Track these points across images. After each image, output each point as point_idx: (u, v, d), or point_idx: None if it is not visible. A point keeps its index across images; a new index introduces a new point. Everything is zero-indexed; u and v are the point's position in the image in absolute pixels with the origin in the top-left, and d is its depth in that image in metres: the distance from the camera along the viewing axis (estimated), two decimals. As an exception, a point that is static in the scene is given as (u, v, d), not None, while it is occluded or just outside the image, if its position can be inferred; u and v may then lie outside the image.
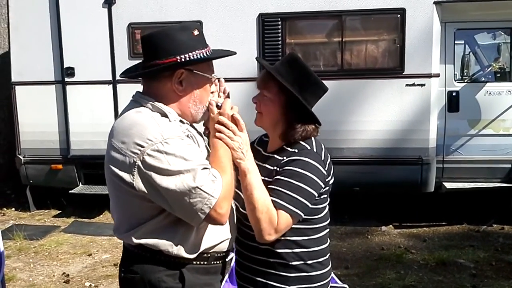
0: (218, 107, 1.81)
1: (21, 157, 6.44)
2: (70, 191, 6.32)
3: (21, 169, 6.48)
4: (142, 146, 1.64)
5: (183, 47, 1.75)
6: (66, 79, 6.18)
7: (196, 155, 1.68)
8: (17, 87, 6.34)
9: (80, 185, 6.43)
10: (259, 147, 2.07)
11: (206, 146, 1.92)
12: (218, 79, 1.92)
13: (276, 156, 1.92)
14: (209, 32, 5.93)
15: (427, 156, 5.64)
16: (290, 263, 1.87)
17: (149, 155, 1.63)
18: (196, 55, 1.76)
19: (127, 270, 1.82)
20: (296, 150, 1.87)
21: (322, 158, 1.88)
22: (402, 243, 5.37)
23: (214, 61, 1.88)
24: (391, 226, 5.89)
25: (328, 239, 2.00)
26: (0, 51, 7.37)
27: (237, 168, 1.81)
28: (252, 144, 2.08)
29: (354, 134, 5.68)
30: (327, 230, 1.98)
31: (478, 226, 5.73)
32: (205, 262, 1.82)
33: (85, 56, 6.10)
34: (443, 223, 5.89)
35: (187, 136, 1.76)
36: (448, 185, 5.75)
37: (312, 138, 1.94)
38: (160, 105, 1.76)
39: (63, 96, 6.22)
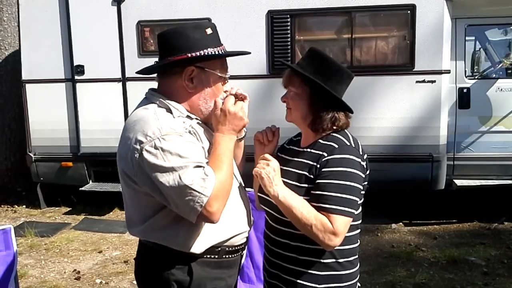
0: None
1: (31, 154, 6.48)
2: (80, 189, 6.37)
3: (31, 166, 6.53)
4: (142, 142, 1.65)
5: (195, 45, 1.77)
6: (76, 77, 6.21)
7: (192, 152, 1.68)
8: (27, 85, 6.38)
9: (90, 182, 6.47)
10: (291, 146, 2.06)
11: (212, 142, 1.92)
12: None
13: (312, 150, 1.89)
14: (218, 29, 5.95)
15: (438, 153, 5.60)
16: (322, 260, 1.85)
17: (147, 151, 1.64)
18: (207, 52, 1.78)
19: (140, 261, 1.88)
20: (336, 146, 1.84)
21: (361, 153, 1.87)
22: (412, 241, 5.34)
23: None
24: (401, 223, 5.87)
25: (358, 239, 1.96)
26: (10, 50, 7.41)
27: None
28: (282, 145, 2.10)
29: (364, 131, 5.62)
30: (359, 230, 1.95)
31: (489, 224, 5.69)
32: (216, 256, 1.82)
33: (95, 54, 6.12)
34: (454, 220, 5.86)
35: (189, 132, 1.76)
36: (459, 182, 5.72)
37: (346, 131, 1.93)
38: (167, 101, 1.78)
39: (73, 94, 6.26)
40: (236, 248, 1.90)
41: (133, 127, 1.71)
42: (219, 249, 1.82)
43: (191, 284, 1.77)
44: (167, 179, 1.62)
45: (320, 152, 1.85)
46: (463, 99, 5.69)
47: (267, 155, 1.85)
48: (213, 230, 1.78)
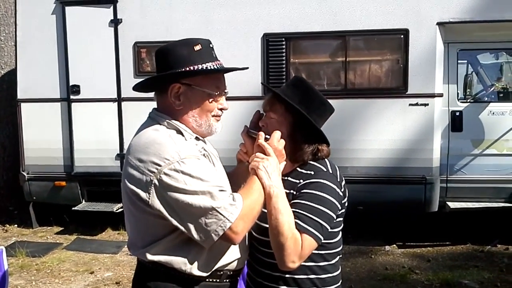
0: (266, 139, 1.79)
1: (24, 173, 6.45)
2: (73, 208, 6.32)
3: (24, 185, 6.49)
4: (159, 165, 1.64)
5: (180, 61, 1.75)
6: (72, 97, 6.23)
7: (212, 176, 1.68)
8: (22, 104, 6.38)
9: (83, 202, 6.43)
10: None
11: (221, 165, 1.91)
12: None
13: (290, 178, 1.86)
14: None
15: (431, 175, 5.63)
16: None
17: (166, 174, 1.63)
18: (193, 68, 1.74)
19: (140, 284, 1.83)
20: (312, 172, 1.82)
21: (338, 180, 1.84)
22: (406, 263, 5.33)
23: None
24: (394, 245, 5.86)
25: (340, 266, 1.94)
26: (7, 69, 7.44)
27: None
28: None
29: (358, 153, 5.68)
30: (340, 256, 1.92)
31: (482, 246, 5.69)
32: (218, 280, 1.81)
33: (91, 74, 6.16)
34: (447, 243, 5.86)
35: (203, 155, 1.76)
36: (452, 204, 5.72)
37: (326, 159, 1.90)
38: (175, 122, 1.78)
39: (68, 113, 6.27)
40: (236, 272, 1.88)
41: (146, 149, 1.69)
42: (221, 273, 1.81)
43: None
44: (190, 202, 1.62)
45: (297, 180, 1.83)
46: (456, 122, 5.74)
47: (270, 150, 1.76)
48: (218, 254, 1.77)
